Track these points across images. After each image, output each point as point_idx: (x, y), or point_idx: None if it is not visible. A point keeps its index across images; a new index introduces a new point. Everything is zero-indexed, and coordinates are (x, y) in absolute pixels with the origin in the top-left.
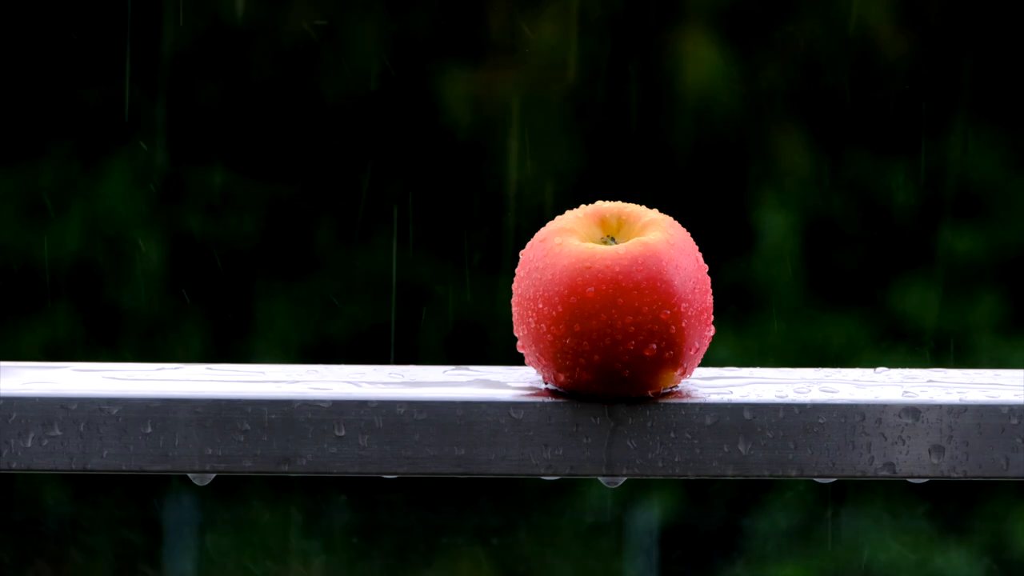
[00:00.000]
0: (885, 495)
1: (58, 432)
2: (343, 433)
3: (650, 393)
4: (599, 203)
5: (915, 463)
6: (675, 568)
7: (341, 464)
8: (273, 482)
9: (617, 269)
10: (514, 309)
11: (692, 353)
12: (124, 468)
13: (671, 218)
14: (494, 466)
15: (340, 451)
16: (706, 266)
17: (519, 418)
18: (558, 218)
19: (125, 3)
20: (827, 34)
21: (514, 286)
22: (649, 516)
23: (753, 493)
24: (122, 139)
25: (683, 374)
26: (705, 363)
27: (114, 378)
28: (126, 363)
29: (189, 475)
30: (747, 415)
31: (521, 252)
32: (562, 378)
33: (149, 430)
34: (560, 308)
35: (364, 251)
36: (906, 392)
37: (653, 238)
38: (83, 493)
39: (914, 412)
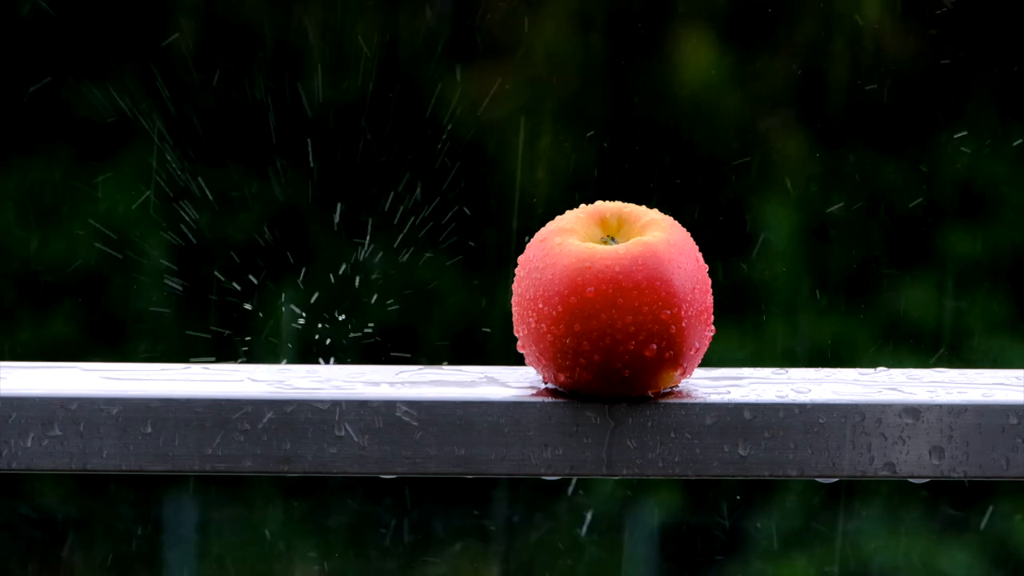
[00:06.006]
0: (885, 495)
1: (58, 432)
2: (343, 433)
3: (650, 393)
4: (599, 203)
5: (915, 463)
6: (675, 568)
7: (341, 464)
8: (273, 482)
9: (617, 269)
10: (514, 309)
11: (692, 353)
12: (124, 468)
13: (671, 218)
14: (494, 466)
15: (340, 451)
16: (706, 266)
17: (519, 418)
18: (558, 218)
19: (127, 1)
20: (828, 33)
21: (514, 286)
22: (649, 516)
23: (753, 493)
24: (125, 138)
25: (683, 374)
26: (705, 363)
27: (114, 378)
28: (126, 363)
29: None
30: (747, 415)
31: (521, 253)
32: (562, 378)
33: (149, 430)
34: (560, 308)
35: (366, 251)
36: (906, 392)
37: (653, 238)
38: (83, 493)
39: (914, 412)
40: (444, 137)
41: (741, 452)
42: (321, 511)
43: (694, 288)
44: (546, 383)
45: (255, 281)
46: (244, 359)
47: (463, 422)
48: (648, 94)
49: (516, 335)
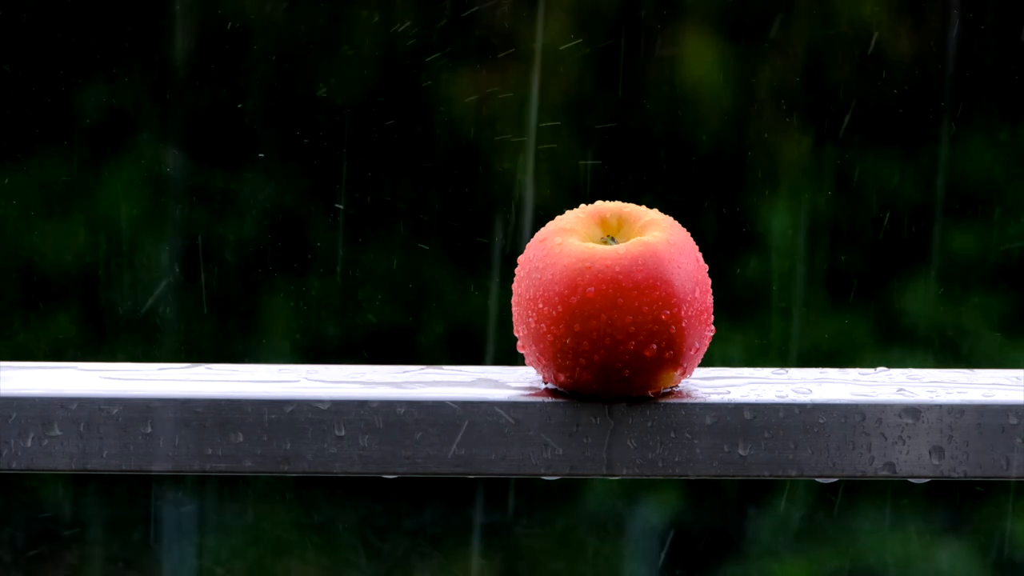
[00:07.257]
0: (885, 495)
1: (58, 432)
2: (343, 433)
3: (650, 393)
4: (599, 203)
5: (915, 463)
6: (675, 568)
7: (341, 464)
8: (273, 482)
9: (617, 269)
10: (514, 309)
11: (692, 353)
12: (124, 468)
13: (671, 218)
14: (494, 466)
15: (340, 451)
16: (706, 266)
17: (519, 418)
18: (558, 218)
19: (129, 1)
20: (828, 32)
21: (514, 286)
22: (649, 516)
23: (753, 493)
24: (125, 137)
25: (683, 374)
26: (705, 363)
27: (114, 378)
28: (126, 363)
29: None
30: (747, 415)
31: (521, 252)
32: (562, 378)
33: (149, 430)
34: (560, 308)
35: (365, 251)
36: (906, 392)
37: (653, 238)
38: (83, 492)
39: (914, 412)
40: (443, 136)
41: (741, 452)
42: (321, 511)
43: (694, 288)
44: (546, 383)
45: (255, 281)
46: (245, 359)
47: (463, 422)
48: (648, 93)
49: (516, 335)
